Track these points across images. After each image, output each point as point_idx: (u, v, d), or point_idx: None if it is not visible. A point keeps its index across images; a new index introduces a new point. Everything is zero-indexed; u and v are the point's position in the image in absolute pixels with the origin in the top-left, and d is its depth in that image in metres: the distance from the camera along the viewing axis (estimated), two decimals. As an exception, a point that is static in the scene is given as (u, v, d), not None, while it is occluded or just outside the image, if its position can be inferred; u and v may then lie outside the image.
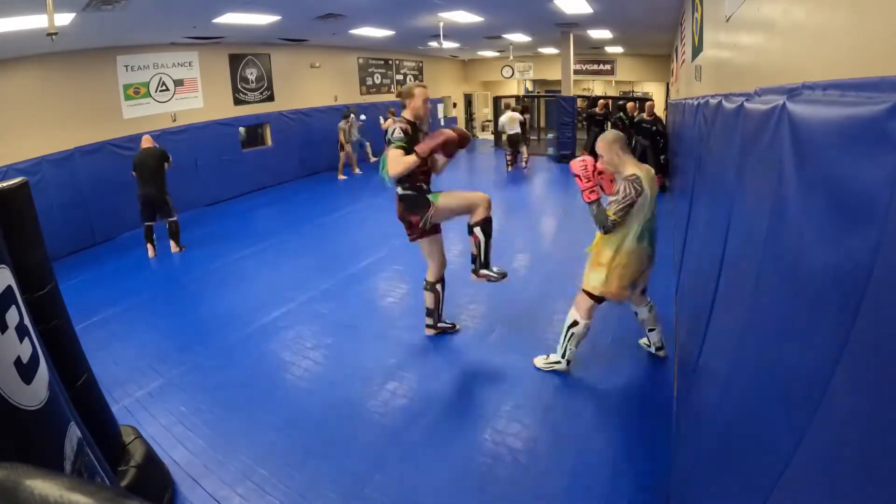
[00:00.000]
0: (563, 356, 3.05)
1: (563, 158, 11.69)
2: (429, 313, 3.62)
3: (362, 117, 11.34)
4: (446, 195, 3.26)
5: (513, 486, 2.27)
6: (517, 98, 15.03)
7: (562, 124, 11.86)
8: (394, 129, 3.07)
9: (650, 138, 8.47)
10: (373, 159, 11.83)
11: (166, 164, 5.89)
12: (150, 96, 8.08)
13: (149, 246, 6.01)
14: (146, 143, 6.00)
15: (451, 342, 3.64)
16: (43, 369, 1.44)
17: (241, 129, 9.93)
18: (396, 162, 3.05)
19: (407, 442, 2.60)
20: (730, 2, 2.51)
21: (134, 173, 5.83)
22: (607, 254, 2.78)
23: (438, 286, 3.52)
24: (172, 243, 6.08)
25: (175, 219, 6.00)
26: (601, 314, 4.09)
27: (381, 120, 11.32)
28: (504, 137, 11.38)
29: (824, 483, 0.70)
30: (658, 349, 3.22)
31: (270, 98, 10.35)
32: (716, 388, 1.45)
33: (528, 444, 2.54)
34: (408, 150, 3.06)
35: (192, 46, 8.53)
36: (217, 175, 9.06)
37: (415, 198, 3.22)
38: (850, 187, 0.70)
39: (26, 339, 1.39)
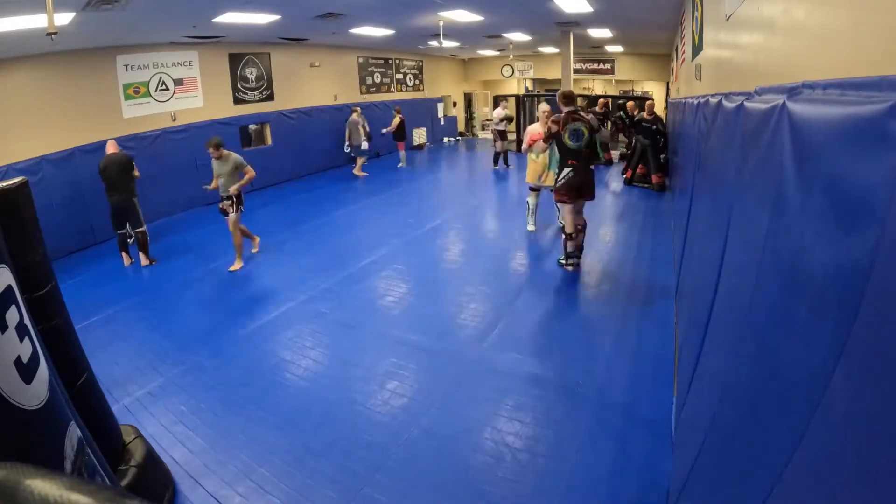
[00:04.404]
0: None
1: None
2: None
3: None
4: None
5: (513, 486, 2.27)
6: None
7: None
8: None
9: (650, 137, 8.46)
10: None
11: (134, 173, 5.59)
12: (150, 96, 8.07)
13: (123, 255, 5.76)
14: (111, 148, 5.74)
15: (452, 342, 3.65)
16: (43, 369, 1.44)
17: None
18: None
19: (407, 441, 2.60)
20: (730, 1, 2.51)
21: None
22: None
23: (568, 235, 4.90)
24: (142, 255, 5.75)
25: (143, 229, 5.70)
26: (600, 317, 4.08)
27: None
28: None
29: (824, 483, 0.70)
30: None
31: (270, 97, 10.34)
32: (716, 387, 1.45)
33: (528, 444, 2.55)
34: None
35: (192, 46, 8.53)
36: (217, 174, 9.04)
37: None
38: (850, 187, 0.70)
39: (26, 339, 1.39)
